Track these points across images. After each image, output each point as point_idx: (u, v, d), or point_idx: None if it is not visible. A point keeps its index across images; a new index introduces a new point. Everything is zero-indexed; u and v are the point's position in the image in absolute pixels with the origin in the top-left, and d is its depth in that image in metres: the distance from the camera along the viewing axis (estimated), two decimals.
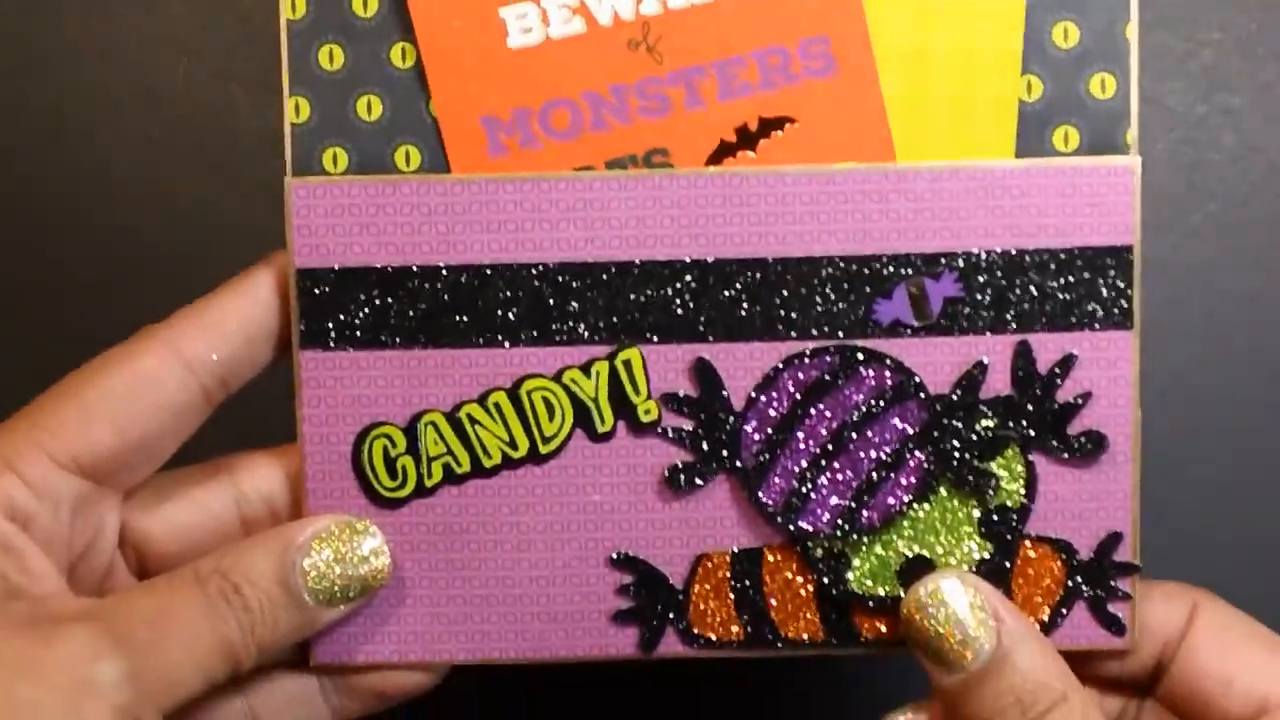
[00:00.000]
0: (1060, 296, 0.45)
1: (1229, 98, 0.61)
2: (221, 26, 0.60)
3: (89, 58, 0.61)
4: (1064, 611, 0.46)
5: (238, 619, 0.42)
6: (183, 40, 0.61)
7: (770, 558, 0.46)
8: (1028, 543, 0.46)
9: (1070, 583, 0.46)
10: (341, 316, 0.45)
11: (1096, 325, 0.45)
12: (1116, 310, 0.45)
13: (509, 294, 0.45)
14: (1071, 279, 0.45)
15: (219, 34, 0.60)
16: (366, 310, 0.45)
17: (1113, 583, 0.46)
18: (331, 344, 0.45)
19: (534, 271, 0.45)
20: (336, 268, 0.45)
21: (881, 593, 0.45)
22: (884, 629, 0.46)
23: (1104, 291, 0.45)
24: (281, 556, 0.43)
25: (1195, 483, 0.62)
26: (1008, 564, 0.46)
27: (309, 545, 0.44)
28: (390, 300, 0.45)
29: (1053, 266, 0.45)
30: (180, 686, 0.41)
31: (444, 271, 0.45)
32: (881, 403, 0.45)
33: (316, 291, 0.45)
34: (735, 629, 0.46)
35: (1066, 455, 0.45)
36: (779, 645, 0.46)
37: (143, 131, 0.61)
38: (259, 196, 0.59)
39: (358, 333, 0.45)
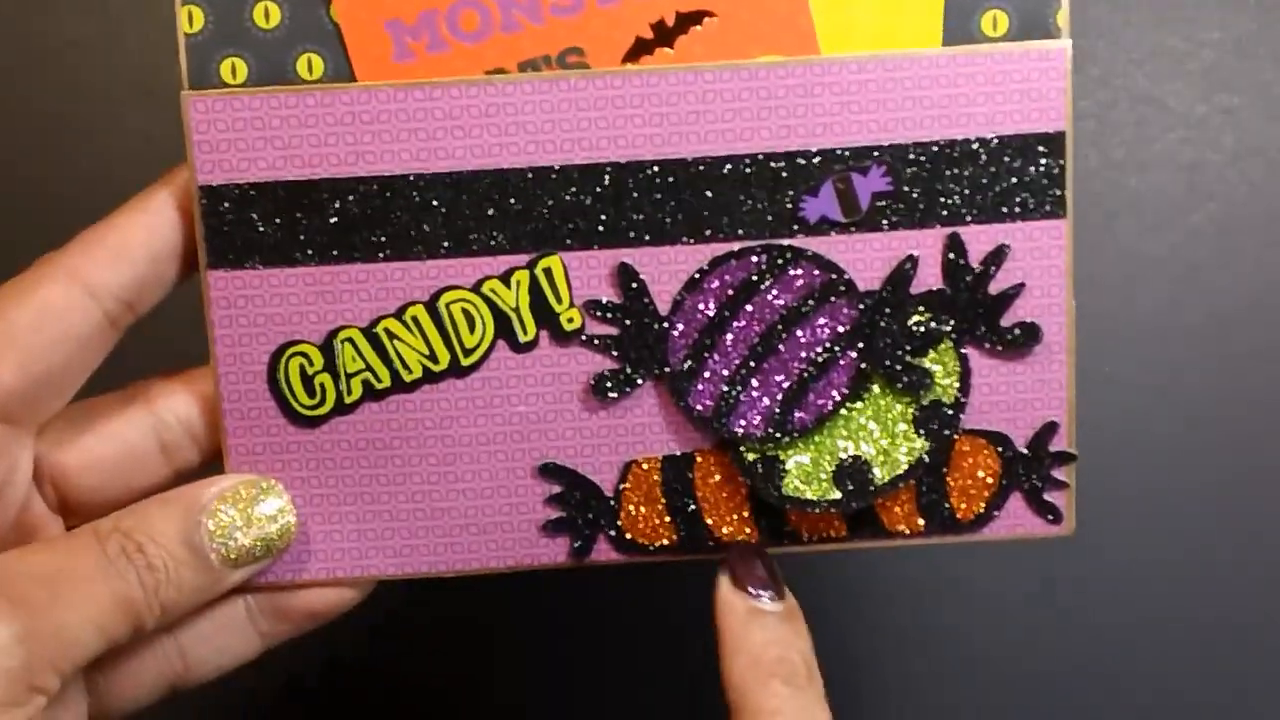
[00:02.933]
0: (991, 187, 0.43)
1: (1229, 98, 0.60)
2: None
3: (89, 58, 0.59)
4: (1000, 503, 0.45)
5: (140, 578, 0.41)
6: None
7: (701, 461, 0.45)
8: (962, 436, 0.45)
9: (1007, 474, 0.45)
10: (249, 234, 0.43)
11: (1029, 215, 0.44)
12: (1048, 199, 0.44)
13: (422, 204, 0.43)
14: (1002, 168, 0.43)
15: None
16: (275, 226, 0.43)
17: (1049, 472, 0.45)
18: (240, 262, 0.43)
19: (447, 180, 0.43)
20: (241, 183, 0.43)
21: (813, 496, 0.45)
22: (818, 527, 0.45)
23: (1036, 180, 0.43)
24: (185, 516, 0.42)
25: (1194, 483, 0.61)
26: (943, 459, 0.45)
27: (214, 505, 0.42)
28: (299, 215, 0.43)
29: (983, 156, 0.43)
30: (77, 647, 0.40)
31: (354, 183, 0.43)
32: (810, 302, 0.44)
33: (221, 209, 0.43)
34: (667, 533, 0.45)
35: (1000, 347, 0.44)
36: (712, 547, 0.46)
37: (143, 131, 0.60)
38: None
39: (267, 250, 0.43)
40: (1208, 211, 0.60)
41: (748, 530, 0.45)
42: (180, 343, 0.46)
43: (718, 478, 0.45)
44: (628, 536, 0.45)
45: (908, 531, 0.46)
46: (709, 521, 0.45)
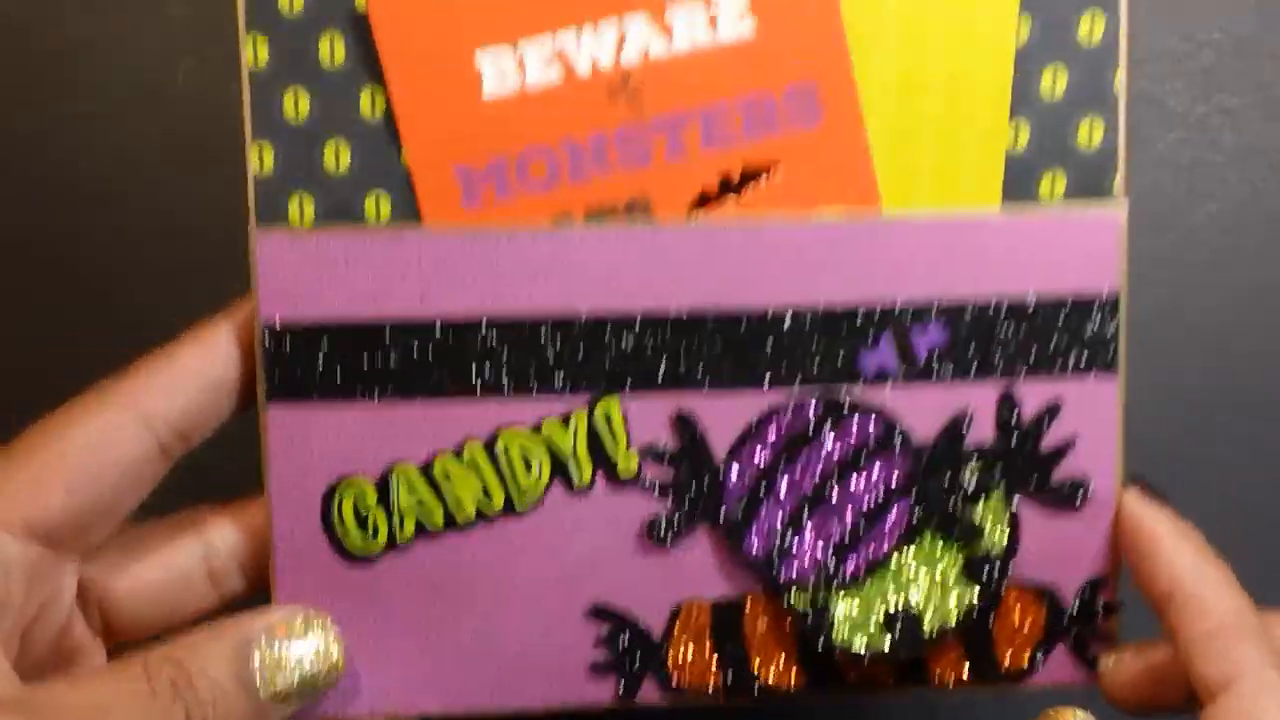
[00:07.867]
0: (1045, 344, 0.44)
1: (1229, 98, 0.61)
2: (221, 26, 0.58)
3: (89, 58, 0.59)
4: (1046, 654, 0.46)
5: (188, 711, 0.41)
6: (183, 40, 0.59)
7: (751, 606, 0.45)
8: (1010, 587, 0.45)
9: (1053, 627, 0.45)
10: (310, 369, 0.43)
11: (1081, 372, 0.44)
12: (1101, 357, 0.44)
13: (484, 347, 0.43)
14: (1057, 327, 0.44)
15: (219, 34, 0.59)
16: (336, 363, 0.43)
17: (1095, 624, 0.45)
18: (299, 397, 0.43)
19: (511, 325, 0.43)
20: (305, 321, 0.43)
21: (861, 645, 0.45)
22: (866, 674, 0.46)
23: (1089, 339, 0.44)
24: (236, 649, 0.42)
25: (1194, 484, 0.61)
26: (991, 609, 0.45)
27: (264, 638, 0.42)
28: (361, 353, 0.43)
29: (1038, 315, 0.44)
30: None
31: (418, 325, 0.43)
32: (865, 453, 0.44)
33: (284, 345, 0.43)
34: (714, 677, 0.45)
35: (1050, 502, 0.45)
36: (757, 693, 0.46)
37: (143, 131, 0.60)
38: None
39: (328, 387, 0.43)
40: (1208, 211, 0.61)
41: (795, 677, 0.45)
42: (229, 472, 0.46)
43: (767, 623, 0.45)
44: (674, 680, 0.45)
45: (952, 681, 0.46)
46: (756, 667, 0.45)
